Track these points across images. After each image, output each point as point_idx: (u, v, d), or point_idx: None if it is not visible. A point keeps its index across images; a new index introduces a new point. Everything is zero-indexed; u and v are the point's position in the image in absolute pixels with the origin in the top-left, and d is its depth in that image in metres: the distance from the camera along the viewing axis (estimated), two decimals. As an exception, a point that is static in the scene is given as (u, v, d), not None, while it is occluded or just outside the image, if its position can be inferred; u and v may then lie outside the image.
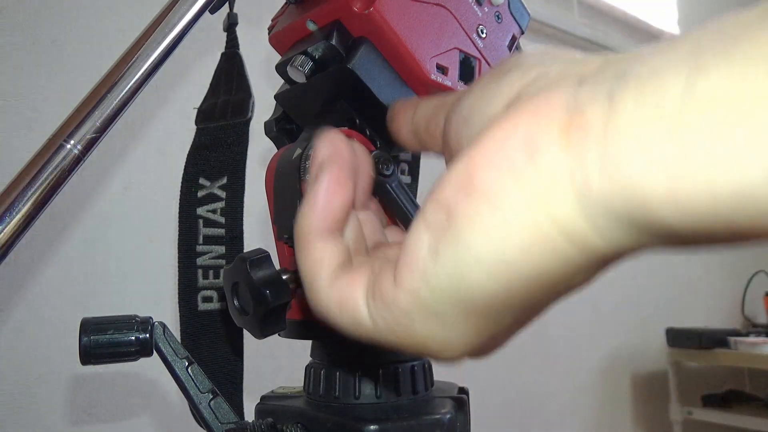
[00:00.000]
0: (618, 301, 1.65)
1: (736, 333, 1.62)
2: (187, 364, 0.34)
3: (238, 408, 0.44)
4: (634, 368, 1.70)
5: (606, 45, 1.70)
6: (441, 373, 0.38)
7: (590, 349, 1.59)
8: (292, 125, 0.40)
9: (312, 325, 0.33)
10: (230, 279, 0.32)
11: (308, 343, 0.37)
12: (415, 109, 0.28)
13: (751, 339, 1.55)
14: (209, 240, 0.45)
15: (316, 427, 0.32)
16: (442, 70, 0.36)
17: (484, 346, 0.22)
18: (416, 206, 0.33)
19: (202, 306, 0.45)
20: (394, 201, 0.33)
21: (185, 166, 0.46)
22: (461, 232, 0.19)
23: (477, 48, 0.38)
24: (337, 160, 0.23)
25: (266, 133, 0.41)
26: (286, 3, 0.39)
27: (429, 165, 0.41)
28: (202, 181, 0.45)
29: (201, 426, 0.35)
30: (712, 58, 0.15)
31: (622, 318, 1.67)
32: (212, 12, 0.42)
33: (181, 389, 0.34)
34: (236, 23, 0.47)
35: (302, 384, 0.36)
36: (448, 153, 0.25)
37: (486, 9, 0.38)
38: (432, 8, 0.35)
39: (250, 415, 0.37)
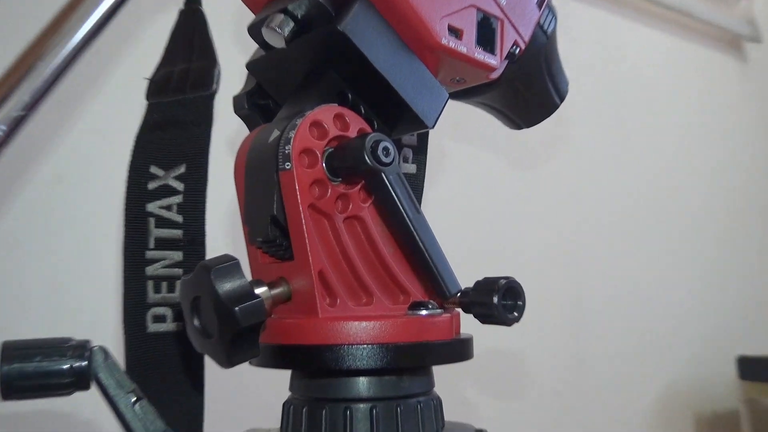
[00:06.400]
0: (675, 324, 1.66)
1: (824, 364, 1.62)
2: (134, 399, 0.35)
3: (198, 455, 0.45)
4: (698, 407, 1.70)
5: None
6: (456, 413, 0.38)
7: (643, 386, 1.59)
8: (268, 101, 0.40)
9: (291, 351, 0.34)
10: (189, 293, 0.32)
11: (287, 373, 0.37)
12: None
13: (843, 371, 1.55)
14: (163, 244, 0.45)
15: (296, 479, 0.32)
16: (456, 33, 0.36)
17: None
18: (415, 205, 0.33)
19: (153, 327, 0.45)
20: (389, 197, 0.33)
21: (133, 152, 0.46)
22: None
23: (498, 5, 0.38)
24: None
25: (235, 111, 0.41)
26: (260, -52, 0.39)
27: (437, 152, 0.41)
28: (153, 170, 0.46)
29: (152, 477, 0.35)
30: None
31: (682, 345, 1.67)
32: (168, -42, 0.42)
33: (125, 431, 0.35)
34: (198, -28, 0.48)
35: (279, 425, 0.37)
36: None
37: (511, -44, 0.39)
38: (443, -45, 0.36)
39: (213, 464, 0.37)
